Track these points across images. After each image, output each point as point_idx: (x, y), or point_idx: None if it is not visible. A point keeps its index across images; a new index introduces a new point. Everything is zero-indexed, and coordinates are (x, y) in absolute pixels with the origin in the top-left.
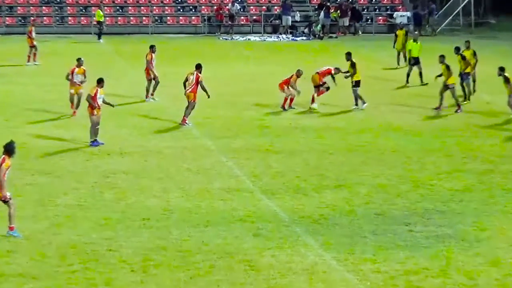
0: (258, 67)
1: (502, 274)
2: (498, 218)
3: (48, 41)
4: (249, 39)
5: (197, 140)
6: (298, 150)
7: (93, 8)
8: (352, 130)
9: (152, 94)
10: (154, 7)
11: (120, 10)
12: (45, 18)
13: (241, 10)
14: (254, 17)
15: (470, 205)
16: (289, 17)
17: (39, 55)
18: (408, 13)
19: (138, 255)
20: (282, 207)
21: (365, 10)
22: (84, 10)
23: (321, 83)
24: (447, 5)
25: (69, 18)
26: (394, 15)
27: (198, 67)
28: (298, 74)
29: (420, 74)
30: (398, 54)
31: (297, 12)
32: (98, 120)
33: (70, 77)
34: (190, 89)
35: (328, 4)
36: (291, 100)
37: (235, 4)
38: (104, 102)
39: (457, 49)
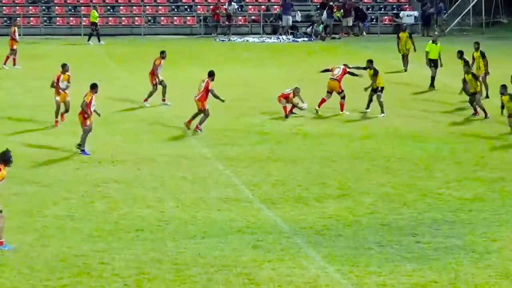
0: (257, 70)
1: None
2: (510, 229)
3: (35, 43)
4: (247, 40)
5: (192, 147)
6: (299, 157)
7: (82, 8)
8: (356, 136)
9: (163, 100)
10: (147, 7)
11: (111, 10)
12: (32, 18)
13: (239, 9)
14: (253, 17)
15: (480, 215)
16: (290, 17)
17: (18, 59)
18: (416, 13)
19: (132, 268)
20: (283, 217)
21: (370, 10)
22: (73, 10)
23: (340, 90)
24: (456, 4)
25: (57, 18)
26: (401, 15)
27: (211, 74)
28: (296, 92)
29: (432, 78)
30: (403, 57)
31: (298, 12)
32: (91, 128)
33: (55, 84)
34: (198, 97)
35: (331, 3)
36: (292, 107)
37: (233, 3)
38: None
39: (461, 53)
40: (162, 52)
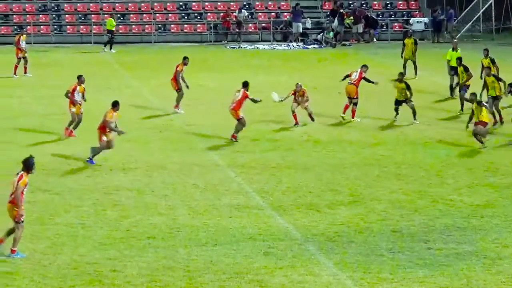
0: (267, 77)
1: None
2: None
3: (46, 51)
4: (257, 47)
5: (204, 155)
6: (310, 164)
7: (93, 16)
8: (367, 143)
9: (176, 106)
10: (157, 14)
11: (121, 18)
12: (42, 27)
13: (249, 17)
14: (263, 24)
15: (491, 221)
16: (300, 24)
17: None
18: (426, 19)
19: (144, 276)
20: (294, 224)
21: (380, 16)
22: (83, 18)
23: (355, 96)
24: (466, 10)
25: (68, 27)
26: (411, 21)
27: (245, 85)
28: (298, 88)
29: (457, 84)
30: (405, 63)
31: (308, 19)
32: (109, 145)
33: (69, 95)
34: (232, 106)
35: (342, 10)
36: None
37: (243, 10)
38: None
39: (460, 60)
40: (185, 58)
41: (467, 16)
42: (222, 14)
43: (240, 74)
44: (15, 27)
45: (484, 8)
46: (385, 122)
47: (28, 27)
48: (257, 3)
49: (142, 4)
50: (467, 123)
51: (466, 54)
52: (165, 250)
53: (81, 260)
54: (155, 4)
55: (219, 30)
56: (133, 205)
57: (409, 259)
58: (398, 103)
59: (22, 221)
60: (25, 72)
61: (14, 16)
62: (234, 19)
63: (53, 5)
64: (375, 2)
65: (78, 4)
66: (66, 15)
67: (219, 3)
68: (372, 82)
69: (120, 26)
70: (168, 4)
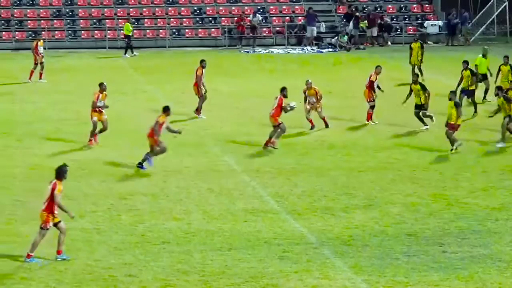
0: (282, 81)
1: None
2: None
3: (60, 56)
4: (272, 51)
5: (218, 159)
6: (325, 168)
7: (107, 21)
8: (382, 147)
9: (200, 113)
10: (172, 19)
11: (136, 23)
12: (56, 32)
13: (263, 21)
14: (277, 29)
15: (507, 224)
16: (314, 28)
17: (44, 73)
18: (440, 22)
19: (159, 281)
20: (309, 228)
21: (395, 20)
22: (97, 24)
23: (369, 100)
24: (480, 13)
25: (82, 32)
26: (425, 24)
27: (282, 90)
28: (308, 85)
29: (486, 90)
30: (413, 68)
31: (322, 23)
32: (163, 149)
33: (95, 104)
34: (271, 113)
35: (357, 14)
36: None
37: (257, 15)
38: (170, 130)
39: (466, 63)
40: (202, 61)
41: (481, 19)
42: (236, 18)
43: (254, 78)
44: (30, 32)
45: (498, 11)
46: (399, 126)
47: (43, 32)
48: (271, 7)
49: (157, 9)
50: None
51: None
52: (180, 254)
53: (96, 265)
54: (170, 9)
55: (234, 35)
56: (148, 210)
57: (424, 262)
58: (418, 107)
59: (48, 229)
60: (40, 78)
61: (29, 21)
62: (248, 23)
63: (67, 10)
64: (389, 6)
65: (93, 9)
66: (81, 20)
67: (233, 8)
68: (379, 89)
69: (135, 31)
70: (183, 9)
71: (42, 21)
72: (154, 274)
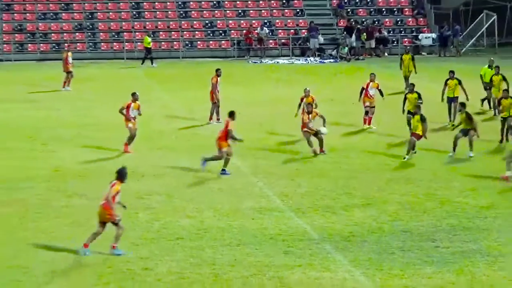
0: (287, 89)
1: None
2: None
3: (82, 66)
4: (277, 62)
5: (216, 163)
6: (326, 170)
7: (125, 34)
8: (379, 150)
9: (217, 119)
10: (185, 32)
11: (152, 35)
12: (78, 44)
13: (270, 33)
14: (283, 41)
15: (494, 222)
16: (317, 40)
17: (72, 81)
18: (433, 35)
19: (173, 274)
20: (312, 225)
21: (391, 32)
22: (116, 36)
23: (364, 105)
24: (471, 26)
25: (102, 44)
26: (420, 37)
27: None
28: (306, 93)
29: (486, 99)
30: (406, 79)
31: (320, 36)
32: (231, 152)
33: (124, 111)
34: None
35: (359, 27)
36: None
37: (264, 28)
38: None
39: (452, 73)
40: (217, 70)
41: (471, 31)
42: (245, 31)
43: (261, 87)
44: (54, 44)
45: (487, 25)
46: (395, 131)
47: (66, 44)
48: (277, 21)
49: (171, 22)
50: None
51: (472, 66)
52: (192, 249)
53: (115, 259)
54: (183, 22)
55: (242, 46)
56: (163, 209)
57: (418, 256)
58: (410, 113)
59: (119, 220)
60: (65, 86)
61: (53, 34)
62: (256, 36)
63: (88, 24)
64: (387, 20)
65: (112, 23)
66: (101, 33)
67: (242, 21)
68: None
69: (151, 43)
70: (195, 22)
71: (65, 34)
72: (169, 267)
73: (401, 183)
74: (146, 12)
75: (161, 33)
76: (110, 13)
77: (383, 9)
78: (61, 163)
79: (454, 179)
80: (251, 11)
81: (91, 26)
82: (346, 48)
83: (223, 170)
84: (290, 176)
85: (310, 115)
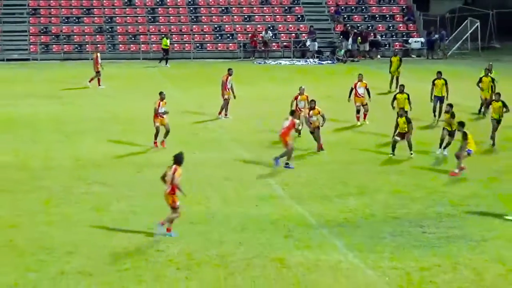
0: (288, 87)
1: (506, 270)
2: (501, 221)
3: (102, 65)
4: (280, 63)
5: (234, 153)
6: (324, 161)
7: (141, 36)
8: (371, 144)
9: (225, 114)
10: (195, 35)
11: (165, 38)
12: (98, 45)
13: (273, 37)
14: (285, 43)
15: (477, 209)
16: (316, 43)
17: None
18: (422, 39)
19: (183, 255)
20: (310, 212)
21: (384, 37)
22: (133, 38)
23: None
24: (456, 31)
25: (120, 45)
26: (409, 41)
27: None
28: (302, 91)
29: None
30: (392, 79)
31: (315, 41)
32: (291, 150)
33: (157, 111)
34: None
35: (356, 31)
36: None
37: (268, 32)
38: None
39: (440, 73)
40: (229, 69)
41: (457, 36)
42: (250, 35)
43: (265, 85)
44: (76, 45)
45: (471, 30)
46: (387, 126)
47: (87, 45)
48: (279, 25)
49: (183, 26)
50: (394, 133)
51: (457, 69)
52: (201, 233)
53: (130, 241)
54: (194, 26)
55: (248, 48)
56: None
57: (407, 241)
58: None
59: (178, 207)
60: (90, 81)
61: (75, 36)
62: (260, 39)
63: (107, 27)
64: (379, 25)
65: (129, 26)
66: (119, 36)
67: (247, 26)
68: (368, 94)
69: None
70: (205, 26)
71: (86, 36)
72: (179, 249)
73: (392, 174)
74: (160, 17)
75: (174, 35)
76: (128, 17)
77: (377, 16)
78: (82, 153)
79: (441, 171)
80: (256, 17)
81: (110, 29)
82: (343, 51)
83: (286, 163)
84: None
85: (311, 111)
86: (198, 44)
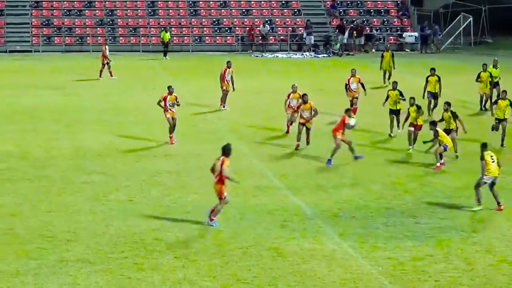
0: (284, 80)
1: (496, 260)
2: (493, 212)
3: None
4: (277, 56)
5: (232, 144)
6: (318, 153)
7: (141, 29)
8: (366, 136)
9: (223, 105)
10: (194, 28)
11: (165, 31)
12: (99, 38)
13: (271, 31)
14: (282, 37)
15: (469, 201)
16: (312, 37)
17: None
18: (416, 33)
19: (181, 244)
20: (306, 202)
21: (378, 31)
22: (133, 31)
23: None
24: (449, 27)
25: (120, 38)
26: (404, 35)
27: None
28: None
29: (490, 98)
30: (384, 74)
31: (305, 33)
32: (348, 140)
33: (162, 103)
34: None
35: (352, 25)
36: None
37: (266, 25)
38: (349, 127)
39: (433, 70)
40: (227, 62)
41: (450, 31)
42: (248, 28)
43: (262, 77)
44: (77, 38)
45: (464, 25)
46: (381, 120)
47: (88, 38)
48: (277, 19)
49: (182, 20)
50: (403, 122)
51: (450, 63)
52: (198, 223)
53: (129, 230)
54: (193, 19)
55: (246, 42)
56: (173, 185)
57: (400, 231)
58: (392, 112)
59: (225, 197)
60: (100, 75)
61: (76, 29)
62: (258, 32)
63: (108, 20)
64: (374, 19)
65: (129, 19)
66: (119, 28)
67: (245, 19)
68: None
69: None
70: (204, 20)
71: (87, 28)
72: (177, 238)
73: (386, 165)
74: (160, 10)
75: (173, 29)
76: (128, 10)
77: (372, 10)
78: (82, 143)
79: (433, 163)
80: (254, 11)
81: (111, 22)
82: (338, 44)
83: (355, 156)
84: (286, 158)
85: (303, 105)
86: (197, 37)
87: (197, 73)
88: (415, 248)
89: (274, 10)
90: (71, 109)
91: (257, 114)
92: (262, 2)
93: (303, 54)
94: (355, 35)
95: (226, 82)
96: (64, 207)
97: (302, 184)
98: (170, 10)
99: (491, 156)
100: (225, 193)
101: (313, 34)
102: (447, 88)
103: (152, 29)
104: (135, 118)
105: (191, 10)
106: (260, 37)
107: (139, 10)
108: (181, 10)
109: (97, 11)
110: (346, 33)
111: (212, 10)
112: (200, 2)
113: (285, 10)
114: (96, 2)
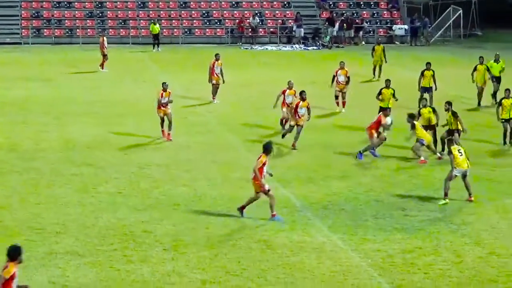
0: (274, 72)
1: (484, 253)
2: (482, 204)
3: (92, 50)
4: (266, 48)
5: (221, 136)
6: (308, 145)
7: (131, 21)
8: (355, 128)
9: (213, 98)
10: (184, 21)
11: (153, 24)
12: (89, 30)
13: (260, 23)
14: (271, 29)
15: (458, 193)
16: (302, 30)
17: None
18: (406, 26)
19: (170, 236)
20: (295, 194)
21: (368, 23)
22: (123, 23)
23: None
24: (439, 19)
25: (110, 30)
26: (393, 28)
27: (384, 110)
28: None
29: (495, 93)
30: (374, 68)
31: (295, 25)
32: (380, 142)
33: (161, 102)
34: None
35: (343, 18)
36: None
37: (255, 17)
38: (386, 127)
39: (429, 64)
40: (216, 55)
41: (439, 24)
42: (237, 20)
43: (252, 70)
44: (67, 30)
45: (454, 18)
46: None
47: (78, 30)
48: (266, 12)
49: (172, 12)
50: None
51: (439, 55)
52: (188, 215)
53: (118, 222)
54: (183, 12)
55: (235, 34)
56: (162, 178)
57: (389, 224)
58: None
59: (269, 190)
60: (102, 67)
61: (66, 21)
62: (248, 25)
63: (98, 12)
64: (364, 12)
65: (119, 12)
66: (109, 21)
67: (235, 12)
68: (332, 81)
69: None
70: (193, 12)
71: (77, 20)
72: (166, 230)
73: (375, 158)
74: (150, 2)
75: (163, 21)
76: (118, 2)
77: (361, 3)
78: (72, 135)
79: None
80: (244, 3)
81: (100, 14)
82: (328, 37)
83: (374, 154)
84: (276, 150)
85: (301, 103)
86: (186, 30)
87: (187, 65)
88: (405, 240)
89: (264, 3)
90: (60, 101)
91: (246, 106)
92: None
93: (292, 47)
94: (345, 27)
95: (216, 75)
96: (53, 199)
97: (292, 176)
98: (160, 2)
99: (459, 150)
100: (266, 186)
101: (303, 26)
102: (438, 81)
103: (141, 21)
104: (125, 110)
105: (181, 2)
106: (250, 30)
107: (128, 2)
108: (170, 2)
109: (86, 3)
110: (336, 26)
111: (202, 2)
112: None
113: (275, 3)
114: None
